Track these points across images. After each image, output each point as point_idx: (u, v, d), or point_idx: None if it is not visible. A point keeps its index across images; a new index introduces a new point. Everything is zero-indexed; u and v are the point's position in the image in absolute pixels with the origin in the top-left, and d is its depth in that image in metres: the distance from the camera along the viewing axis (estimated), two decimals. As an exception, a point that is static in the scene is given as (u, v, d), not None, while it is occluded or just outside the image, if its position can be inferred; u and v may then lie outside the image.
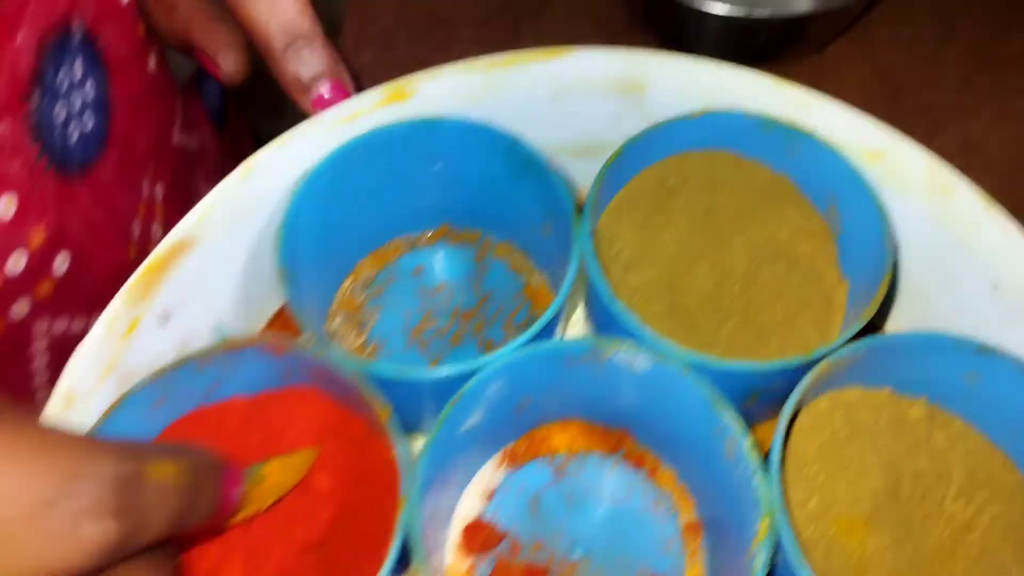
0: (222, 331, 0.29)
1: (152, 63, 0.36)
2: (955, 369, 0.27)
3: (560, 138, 0.34)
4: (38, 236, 0.31)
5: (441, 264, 0.34)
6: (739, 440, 0.25)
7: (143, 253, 0.37)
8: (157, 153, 0.38)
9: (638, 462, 0.31)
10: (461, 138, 0.30)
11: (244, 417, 0.28)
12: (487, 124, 0.30)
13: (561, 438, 0.31)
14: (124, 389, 0.25)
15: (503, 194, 0.32)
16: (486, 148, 0.30)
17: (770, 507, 0.24)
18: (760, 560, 0.23)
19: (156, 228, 0.38)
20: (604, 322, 0.29)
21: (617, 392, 0.29)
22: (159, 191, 0.38)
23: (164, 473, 0.17)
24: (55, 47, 0.30)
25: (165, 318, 0.28)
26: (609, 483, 0.30)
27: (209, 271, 0.29)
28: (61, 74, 0.31)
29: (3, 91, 0.28)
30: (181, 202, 0.40)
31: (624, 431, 0.31)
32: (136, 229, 0.36)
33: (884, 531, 0.27)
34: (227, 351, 0.27)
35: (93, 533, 0.14)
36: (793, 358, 0.26)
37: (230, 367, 0.27)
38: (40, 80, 0.30)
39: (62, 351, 0.34)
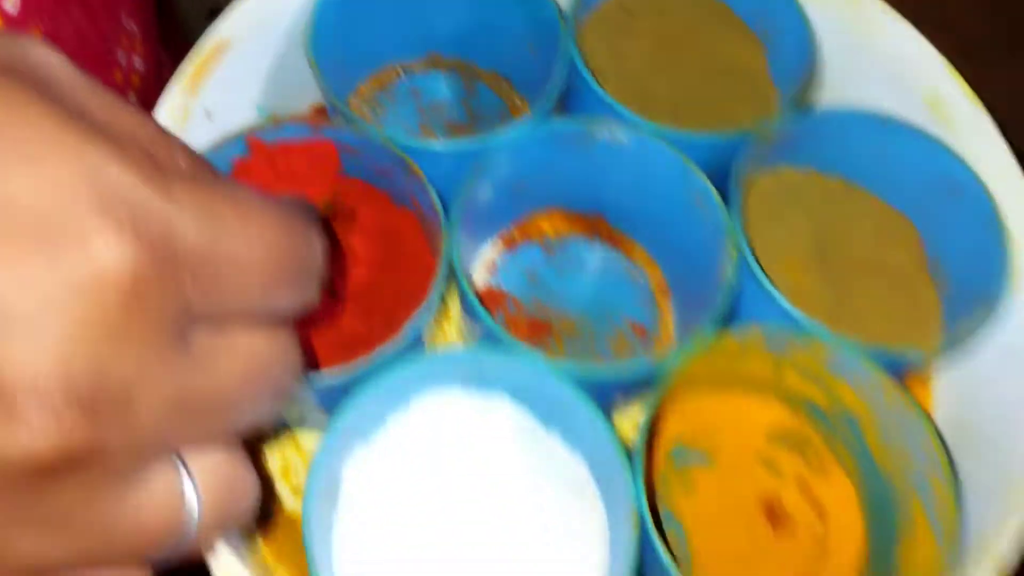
0: (263, 111, 0.33)
1: None
2: (865, 142, 0.34)
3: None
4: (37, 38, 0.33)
5: (435, 86, 0.39)
6: (708, 191, 0.31)
7: (128, 81, 0.39)
8: None
9: (613, 242, 0.37)
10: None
11: (271, 163, 0.31)
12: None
13: (547, 224, 0.37)
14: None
15: (490, 19, 0.37)
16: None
17: (734, 234, 0.30)
18: (729, 270, 0.30)
19: (138, 61, 0.40)
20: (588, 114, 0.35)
21: (599, 175, 0.34)
22: (135, 28, 0.41)
23: (324, 242, 0.20)
24: None
25: (209, 114, 0.32)
26: (591, 258, 0.36)
27: (243, 71, 0.32)
28: None
29: None
30: (152, 44, 0.43)
31: (600, 217, 0.37)
32: (121, 58, 0.39)
33: (815, 273, 0.34)
34: (270, 126, 0.30)
35: (312, 291, 0.18)
36: (746, 129, 0.33)
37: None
38: None
39: None
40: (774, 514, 0.31)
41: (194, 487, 0.17)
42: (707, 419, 0.32)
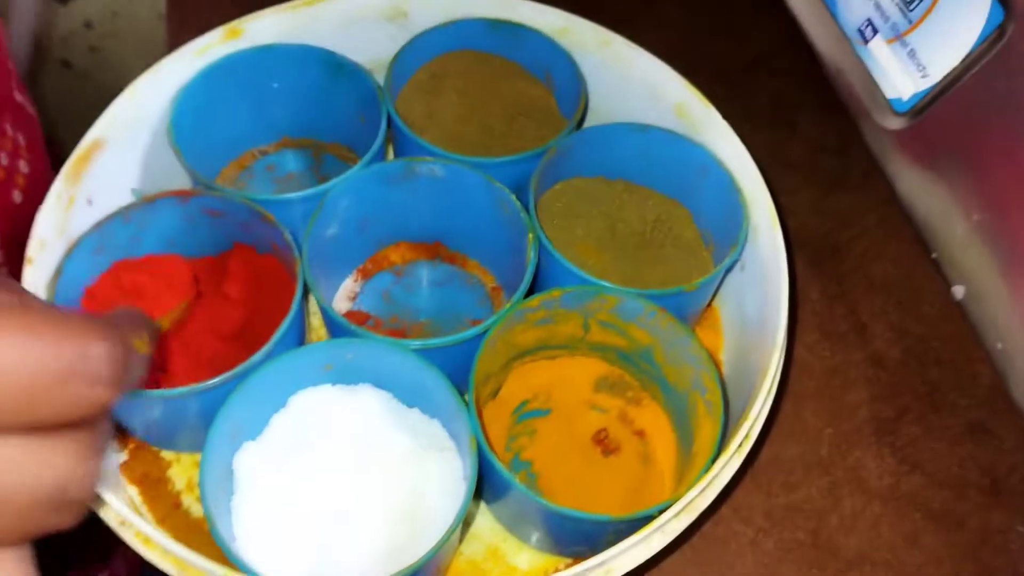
0: (139, 194, 0.40)
1: None
2: (633, 147, 0.43)
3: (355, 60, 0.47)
4: None
5: (287, 162, 0.46)
6: (510, 200, 0.39)
7: (11, 179, 0.45)
8: (9, 104, 0.46)
9: (452, 261, 0.44)
10: (289, 57, 0.43)
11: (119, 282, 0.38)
12: (306, 44, 0.42)
13: (395, 255, 0.44)
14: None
15: (327, 100, 0.45)
16: (309, 61, 0.43)
17: (532, 229, 0.38)
18: (530, 252, 0.37)
19: (23, 164, 0.46)
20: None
21: (428, 206, 0.42)
22: (21, 138, 0.47)
23: (140, 346, 0.20)
24: None
25: (90, 201, 0.38)
26: (434, 275, 0.44)
27: (119, 163, 0.39)
28: None
29: None
30: (40, 152, 0.48)
31: (438, 243, 0.44)
32: (3, 159, 0.44)
33: (608, 253, 0.42)
34: (145, 203, 0.37)
35: (98, 396, 0.17)
36: (535, 149, 0.41)
37: (148, 216, 0.37)
38: None
39: None
40: (603, 443, 0.37)
41: None
42: (541, 382, 0.39)
